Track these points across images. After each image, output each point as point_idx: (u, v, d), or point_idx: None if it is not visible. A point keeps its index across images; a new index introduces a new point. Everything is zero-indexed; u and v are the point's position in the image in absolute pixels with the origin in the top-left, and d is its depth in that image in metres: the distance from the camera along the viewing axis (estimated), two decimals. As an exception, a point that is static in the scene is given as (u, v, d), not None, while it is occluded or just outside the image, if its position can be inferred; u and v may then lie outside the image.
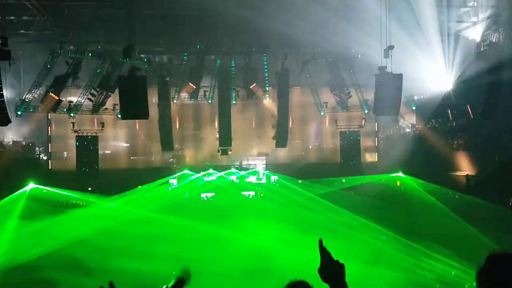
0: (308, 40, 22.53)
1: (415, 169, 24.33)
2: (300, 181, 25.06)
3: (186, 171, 25.67)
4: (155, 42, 24.57)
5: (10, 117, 15.81)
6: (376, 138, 30.03)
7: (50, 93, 23.44)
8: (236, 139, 25.73)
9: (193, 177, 25.41)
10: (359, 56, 23.80)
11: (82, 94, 25.04)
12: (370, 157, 29.84)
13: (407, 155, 27.03)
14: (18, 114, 23.33)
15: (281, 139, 26.05)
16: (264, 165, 28.00)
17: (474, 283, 2.27)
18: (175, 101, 26.29)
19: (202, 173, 25.81)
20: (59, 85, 23.57)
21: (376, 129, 29.95)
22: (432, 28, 19.72)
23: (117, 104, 23.66)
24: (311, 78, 26.18)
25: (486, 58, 18.56)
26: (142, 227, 17.24)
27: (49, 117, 27.24)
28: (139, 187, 23.70)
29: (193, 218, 17.91)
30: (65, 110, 25.06)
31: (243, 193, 24.60)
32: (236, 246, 14.49)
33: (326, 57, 25.15)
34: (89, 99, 25.11)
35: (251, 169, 27.30)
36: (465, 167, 24.05)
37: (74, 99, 25.42)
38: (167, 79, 25.07)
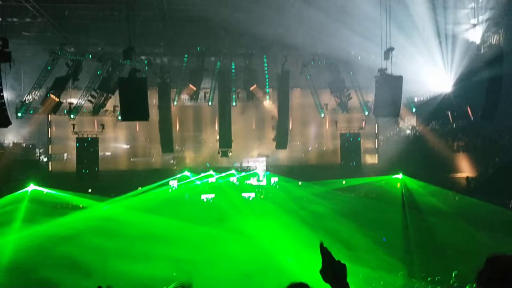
0: (308, 42, 22.56)
1: (415, 170, 24.33)
2: (300, 183, 25.05)
3: (186, 173, 25.66)
4: (156, 44, 24.60)
5: (11, 119, 15.76)
6: (376, 140, 30.01)
7: (51, 94, 23.47)
8: (236, 140, 25.72)
9: (193, 179, 25.39)
10: (359, 58, 23.83)
11: (82, 96, 25.07)
12: (370, 159, 29.83)
13: (407, 156, 27.06)
14: (18, 116, 23.33)
15: (281, 141, 26.05)
16: (264, 167, 27.98)
17: (474, 285, 2.26)
18: (175, 103, 26.30)
19: (202, 174, 25.79)
20: (59, 86, 23.60)
21: (376, 131, 29.95)
22: (432, 30, 19.75)
23: (118, 106, 23.66)
24: (311, 79, 26.19)
25: (486, 60, 18.55)
26: (141, 229, 17.22)
27: (50, 119, 27.27)
28: (139, 188, 23.68)
29: (193, 219, 17.89)
30: (65, 111, 25.08)
31: (243, 194, 24.57)
32: (235, 248, 14.47)
33: (326, 59, 25.17)
34: (89, 100, 25.13)
35: (251, 170, 27.28)
36: (465, 169, 24.05)
37: (74, 100, 25.45)
38: (168, 80, 25.10)
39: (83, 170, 25.71)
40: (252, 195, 24.74)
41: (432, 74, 21.54)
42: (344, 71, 25.91)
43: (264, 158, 28.68)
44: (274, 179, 26.24)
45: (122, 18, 20.09)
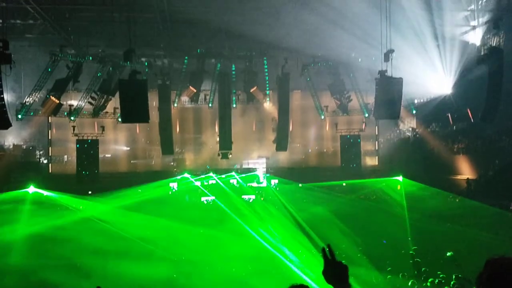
0: (308, 44, 22.62)
1: (416, 172, 24.31)
2: (300, 185, 25.05)
3: (186, 175, 25.66)
4: (156, 45, 24.63)
5: (11, 121, 15.77)
6: (377, 142, 30.02)
7: (51, 96, 23.51)
8: (236, 142, 25.75)
9: (194, 181, 25.38)
10: (359, 60, 23.87)
11: (82, 98, 25.10)
12: (371, 161, 29.83)
13: (408, 158, 27.06)
14: (18, 118, 23.36)
15: (281, 143, 26.07)
16: (265, 169, 27.99)
17: (475, 287, 2.26)
18: (175, 105, 26.34)
19: (203, 176, 25.79)
20: (59, 88, 23.64)
21: (377, 133, 29.95)
22: (432, 32, 19.78)
23: (118, 108, 23.70)
24: (311, 81, 26.23)
25: (486, 62, 18.57)
26: (141, 230, 17.21)
27: (50, 121, 27.30)
28: (139, 190, 23.67)
29: (193, 221, 17.88)
30: (65, 113, 25.11)
31: (244, 196, 24.56)
32: (235, 249, 14.45)
33: (326, 61, 25.21)
34: (89, 102, 25.15)
35: (251, 172, 27.27)
36: (465, 171, 24.05)
37: (74, 102, 25.49)
38: (168, 82, 25.13)
39: (83, 172, 25.71)
40: (253, 197, 24.73)
41: (432, 76, 21.57)
42: (344, 73, 25.95)
43: (264, 160, 28.70)
44: (274, 181, 26.23)
45: (123, 20, 20.14)
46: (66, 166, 28.26)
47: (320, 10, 18.78)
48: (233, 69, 25.41)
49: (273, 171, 27.63)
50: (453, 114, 25.39)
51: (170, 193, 25.06)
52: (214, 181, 25.70)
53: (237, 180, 26.05)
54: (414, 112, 26.54)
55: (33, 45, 24.32)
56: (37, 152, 27.96)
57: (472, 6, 20.19)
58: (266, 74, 25.87)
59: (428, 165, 25.65)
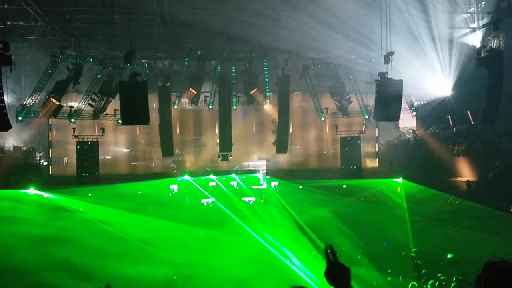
0: (308, 46, 22.64)
1: (416, 175, 24.31)
2: (300, 187, 25.03)
3: (186, 177, 25.64)
4: (156, 47, 24.66)
5: (11, 122, 15.76)
6: (377, 144, 30.02)
7: (51, 98, 23.49)
8: (236, 144, 25.74)
9: (194, 183, 25.37)
10: (359, 62, 23.90)
11: (83, 100, 25.11)
12: (371, 163, 29.83)
13: (408, 160, 27.06)
14: (19, 120, 23.36)
15: (281, 145, 26.05)
16: (265, 171, 27.98)
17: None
18: (175, 107, 26.33)
19: (203, 178, 25.77)
20: (60, 90, 23.63)
21: (377, 135, 29.96)
22: (432, 35, 19.81)
23: (118, 110, 23.71)
24: (311, 83, 26.24)
25: (486, 64, 18.58)
26: (141, 232, 17.20)
27: (50, 123, 27.31)
28: (139, 192, 23.65)
29: (193, 222, 17.88)
30: (65, 115, 25.10)
31: (244, 198, 24.54)
32: (235, 251, 14.44)
33: (326, 63, 25.23)
34: (90, 104, 25.16)
35: (251, 174, 27.26)
36: (465, 173, 24.03)
37: (75, 104, 25.49)
38: (168, 84, 25.12)
39: (83, 174, 25.70)
40: (253, 199, 24.72)
41: (432, 78, 21.59)
42: (344, 75, 25.97)
43: (265, 162, 28.69)
44: (275, 183, 26.22)
45: (123, 22, 20.16)
46: (66, 168, 28.26)
47: (320, 14, 18.83)
48: (233, 71, 25.42)
49: (273, 173, 27.62)
50: (453, 116, 25.41)
51: (170, 195, 25.05)
52: (214, 183, 25.70)
53: (237, 182, 26.05)
54: (414, 114, 26.56)
55: (33, 46, 24.35)
56: (37, 154, 27.95)
57: (472, 8, 20.23)
58: (266, 76, 25.87)
59: (428, 167, 25.65)
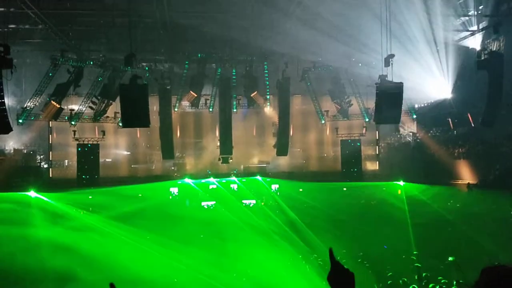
0: (308, 49, 22.65)
1: (416, 177, 24.28)
2: (301, 190, 25.01)
3: (187, 179, 25.64)
4: (157, 50, 24.70)
5: (12, 125, 15.79)
6: (377, 147, 30.01)
7: (52, 101, 23.53)
8: (237, 147, 25.74)
9: (194, 185, 25.36)
10: (360, 64, 23.92)
11: (83, 102, 25.14)
12: (371, 165, 29.81)
13: (408, 163, 27.03)
14: (19, 122, 23.38)
15: (282, 147, 26.05)
16: (265, 173, 27.96)
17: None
18: (176, 109, 26.34)
19: (203, 181, 25.76)
20: (60, 93, 23.67)
21: (377, 138, 29.95)
22: (432, 38, 19.83)
23: (118, 112, 23.71)
24: (312, 86, 26.25)
25: (486, 66, 18.59)
26: (141, 234, 17.16)
27: (50, 125, 27.32)
28: (140, 195, 23.64)
29: (193, 224, 17.84)
30: (66, 118, 25.12)
31: (244, 201, 24.53)
32: (235, 253, 14.40)
33: (326, 66, 25.25)
34: (90, 107, 25.19)
35: (251, 177, 27.23)
36: (466, 176, 24.01)
37: (75, 107, 25.52)
38: (168, 87, 25.15)
39: (84, 177, 25.69)
40: (253, 202, 24.70)
41: (432, 81, 21.60)
42: (344, 78, 25.98)
43: (265, 165, 28.67)
44: (275, 186, 26.20)
45: (124, 25, 20.19)
46: (67, 170, 28.24)
47: (320, 18, 18.85)
48: (234, 73, 25.43)
49: (273, 175, 27.59)
50: (453, 118, 25.38)
51: (170, 197, 25.04)
52: (214, 186, 25.70)
53: (238, 185, 26.04)
54: (414, 116, 26.55)
55: (34, 49, 24.41)
56: (38, 157, 27.95)
57: (472, 12, 20.26)
58: (267, 78, 25.89)
59: (429, 170, 25.61)
